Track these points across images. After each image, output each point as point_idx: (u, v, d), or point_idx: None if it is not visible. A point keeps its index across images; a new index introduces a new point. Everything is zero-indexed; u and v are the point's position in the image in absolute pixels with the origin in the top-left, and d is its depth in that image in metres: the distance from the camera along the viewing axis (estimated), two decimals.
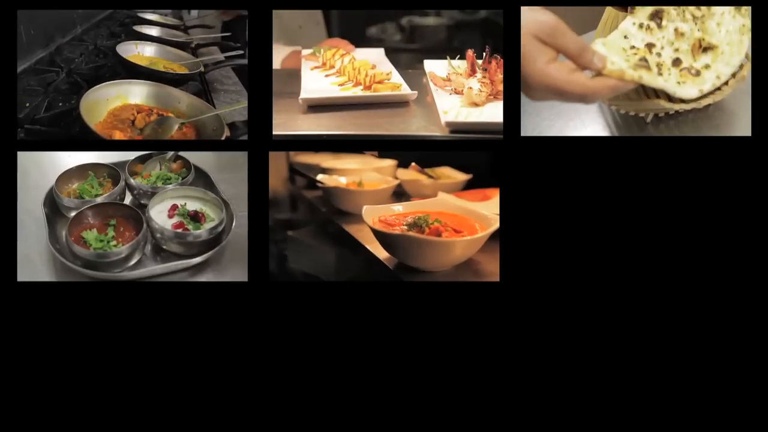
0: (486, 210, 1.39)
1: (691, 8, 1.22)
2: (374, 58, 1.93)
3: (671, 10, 1.22)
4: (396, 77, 1.72)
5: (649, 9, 1.24)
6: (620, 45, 1.20)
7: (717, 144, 1.33)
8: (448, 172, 2.04)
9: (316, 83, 1.72)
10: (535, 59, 1.09)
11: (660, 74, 1.16)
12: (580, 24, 1.49)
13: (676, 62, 1.18)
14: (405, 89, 1.62)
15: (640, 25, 1.24)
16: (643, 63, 1.15)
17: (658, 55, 1.20)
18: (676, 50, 1.20)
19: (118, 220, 1.30)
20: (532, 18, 1.10)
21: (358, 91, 1.63)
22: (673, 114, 1.17)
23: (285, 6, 1.52)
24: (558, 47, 1.10)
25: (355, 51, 2.02)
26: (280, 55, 2.20)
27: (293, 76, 1.81)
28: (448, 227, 1.31)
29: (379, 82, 1.64)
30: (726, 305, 1.27)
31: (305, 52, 1.96)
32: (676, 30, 1.21)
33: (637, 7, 1.25)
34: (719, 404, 1.25)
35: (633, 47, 1.20)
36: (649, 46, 1.21)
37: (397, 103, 1.59)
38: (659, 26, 1.22)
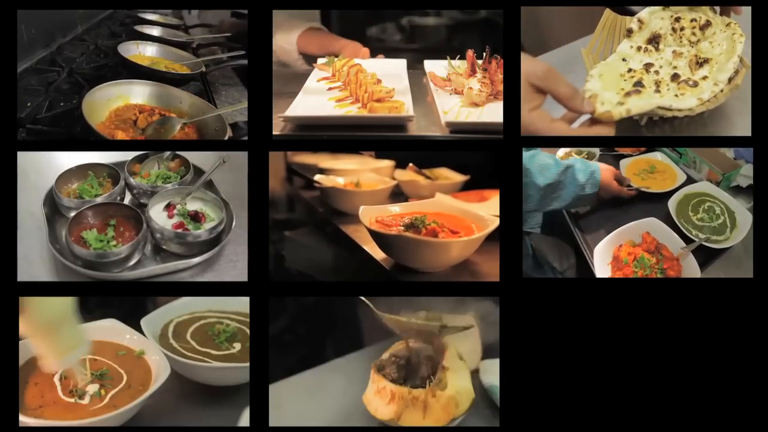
0: (483, 211, 1.39)
1: (687, 33, 1.27)
2: (393, 69, 1.80)
3: (668, 36, 1.26)
4: (403, 94, 1.55)
5: (647, 34, 1.28)
6: (618, 70, 1.24)
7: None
8: (446, 173, 2.04)
9: (311, 97, 1.57)
10: (520, 106, 1.12)
11: (658, 91, 1.19)
12: (579, 27, 1.50)
13: (675, 77, 1.22)
14: (407, 109, 1.44)
15: (638, 48, 1.27)
16: (636, 89, 1.18)
17: (656, 73, 1.23)
18: (675, 67, 1.24)
19: (118, 220, 1.30)
20: (525, 64, 1.12)
21: (353, 110, 1.48)
22: (667, 118, 1.19)
23: (285, 6, 1.53)
24: (550, 91, 1.13)
25: (369, 59, 1.88)
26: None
27: (296, 78, 1.76)
28: (445, 228, 1.31)
29: (378, 100, 1.47)
30: None
31: (320, 60, 1.85)
32: (674, 52, 1.25)
33: (635, 32, 1.28)
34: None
35: (630, 70, 1.23)
36: (648, 66, 1.24)
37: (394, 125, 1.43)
38: (657, 49, 1.26)
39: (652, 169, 1.55)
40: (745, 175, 1.48)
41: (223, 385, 1.19)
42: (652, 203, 1.45)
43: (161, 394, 1.08)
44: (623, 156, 1.65)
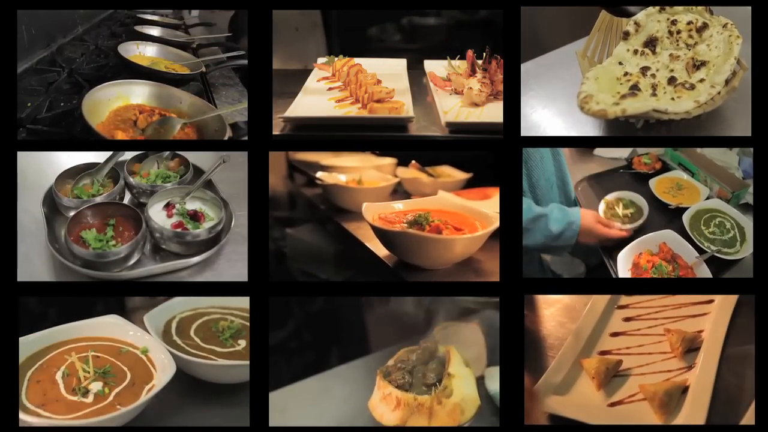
0: (486, 208, 1.39)
1: (684, 36, 1.27)
2: (393, 69, 1.80)
3: (665, 39, 1.27)
4: (403, 94, 1.56)
5: (643, 37, 1.28)
6: (614, 74, 1.24)
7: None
8: (449, 170, 2.04)
9: (311, 97, 1.57)
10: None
11: (654, 94, 1.20)
12: (576, 28, 1.50)
13: (672, 80, 1.22)
14: (407, 110, 1.44)
15: (635, 51, 1.27)
16: (632, 92, 1.18)
17: (653, 76, 1.23)
18: (671, 71, 1.24)
19: (117, 220, 1.30)
20: None
21: (353, 110, 1.49)
22: (664, 121, 1.19)
23: (285, 6, 1.52)
24: None
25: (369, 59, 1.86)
26: None
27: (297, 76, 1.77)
28: (449, 225, 1.31)
29: (378, 101, 1.46)
30: None
31: (320, 60, 1.86)
32: (671, 55, 1.25)
33: (632, 34, 1.29)
34: None
35: (627, 74, 1.24)
36: (644, 69, 1.24)
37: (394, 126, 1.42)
38: (653, 52, 1.27)
39: (679, 187, 1.59)
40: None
41: (228, 383, 1.18)
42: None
43: (165, 392, 1.06)
44: (643, 174, 1.67)
